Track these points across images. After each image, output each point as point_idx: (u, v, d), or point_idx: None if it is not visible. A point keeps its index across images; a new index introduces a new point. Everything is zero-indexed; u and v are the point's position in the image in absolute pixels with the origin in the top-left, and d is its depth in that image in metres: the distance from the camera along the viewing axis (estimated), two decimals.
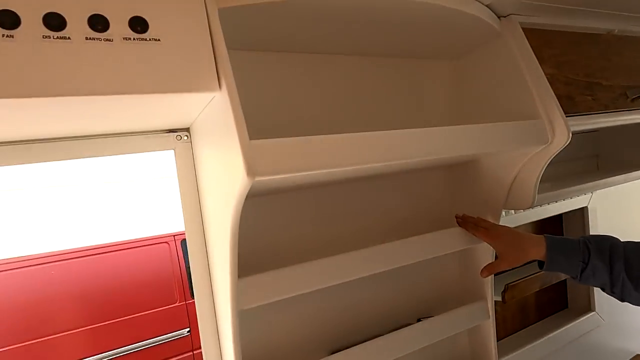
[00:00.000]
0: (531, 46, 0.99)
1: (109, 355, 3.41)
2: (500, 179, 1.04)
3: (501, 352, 1.43)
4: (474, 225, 1.02)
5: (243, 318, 0.79)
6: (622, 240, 0.93)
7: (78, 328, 3.34)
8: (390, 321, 1.10)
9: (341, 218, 1.03)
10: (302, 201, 0.97)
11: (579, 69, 1.07)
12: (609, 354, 1.77)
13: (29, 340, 3.12)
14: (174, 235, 3.88)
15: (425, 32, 0.94)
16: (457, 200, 1.16)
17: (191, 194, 0.86)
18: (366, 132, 0.70)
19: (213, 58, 0.63)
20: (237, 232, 0.68)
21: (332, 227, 1.01)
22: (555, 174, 1.48)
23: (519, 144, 0.91)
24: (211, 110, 0.70)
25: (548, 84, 0.95)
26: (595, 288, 1.67)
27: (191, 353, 3.80)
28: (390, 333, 1.01)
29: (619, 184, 1.38)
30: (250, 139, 0.60)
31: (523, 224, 1.48)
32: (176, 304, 3.81)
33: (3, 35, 0.50)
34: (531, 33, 1.03)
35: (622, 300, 0.94)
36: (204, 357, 0.85)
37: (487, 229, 1.00)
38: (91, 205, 4.31)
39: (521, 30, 1.00)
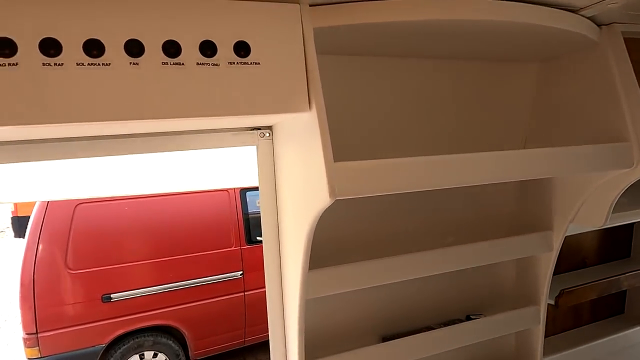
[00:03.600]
0: (632, 59, 0.93)
1: (171, 288, 3.78)
2: (573, 195, 1.02)
3: (548, 350, 1.46)
4: None
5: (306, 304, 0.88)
6: None
7: (145, 260, 3.71)
8: (440, 315, 1.16)
9: (411, 217, 1.07)
10: (371, 200, 1.01)
11: None
12: None
13: (103, 266, 3.53)
14: (234, 188, 4.09)
15: (515, 42, 0.91)
16: (524, 209, 1.15)
17: (269, 187, 0.92)
18: (442, 156, 0.72)
19: (306, 80, 0.66)
20: (312, 236, 0.75)
21: (401, 225, 1.06)
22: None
23: (600, 168, 0.88)
24: (299, 120, 0.74)
25: None
26: None
27: (242, 294, 4.12)
28: (441, 328, 1.07)
29: None
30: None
31: (591, 230, 1.44)
32: (232, 248, 4.10)
33: (130, 63, 0.57)
34: (634, 44, 0.95)
35: None
36: (270, 336, 0.96)
37: None
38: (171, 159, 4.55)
39: (622, 41, 0.93)
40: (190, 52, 0.60)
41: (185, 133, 0.85)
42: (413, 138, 1.02)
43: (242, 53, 0.62)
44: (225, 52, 0.61)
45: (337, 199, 0.64)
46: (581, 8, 0.82)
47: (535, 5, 0.77)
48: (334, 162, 0.64)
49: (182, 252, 3.87)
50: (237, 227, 4.14)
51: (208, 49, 0.60)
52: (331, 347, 1.00)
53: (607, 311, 1.73)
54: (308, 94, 0.67)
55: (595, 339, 1.51)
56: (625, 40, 0.94)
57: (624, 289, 1.51)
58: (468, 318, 1.15)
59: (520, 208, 1.16)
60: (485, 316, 1.13)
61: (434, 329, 1.07)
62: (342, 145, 0.86)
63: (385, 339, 1.07)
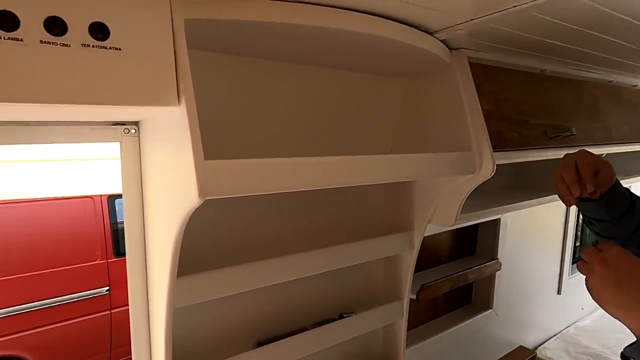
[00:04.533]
0: (475, 81, 1.08)
1: (18, 311, 3.24)
2: (429, 197, 1.14)
3: (411, 340, 1.60)
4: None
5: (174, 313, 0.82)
6: None
7: None
8: (315, 315, 1.19)
9: (287, 220, 1.08)
10: (244, 202, 1.00)
11: (512, 106, 1.18)
12: (500, 345, 2.03)
13: None
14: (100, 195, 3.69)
15: (383, 56, 0.99)
16: (391, 211, 1.25)
17: (134, 187, 0.85)
18: (313, 158, 0.74)
19: (174, 72, 0.63)
20: (181, 239, 0.70)
21: (275, 227, 1.05)
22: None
23: (450, 173, 1.00)
24: (167, 115, 0.70)
25: (483, 119, 1.05)
26: (495, 288, 1.90)
27: (109, 312, 3.72)
28: (314, 328, 1.10)
29: (532, 206, 1.56)
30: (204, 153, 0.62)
31: (444, 231, 1.63)
32: (97, 262, 3.68)
33: None
34: (477, 67, 1.11)
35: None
36: (132, 348, 0.87)
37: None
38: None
39: (468, 64, 1.07)
40: (32, 27, 0.51)
41: (43, 124, 0.73)
42: (288, 142, 1.03)
43: (100, 36, 0.56)
44: (78, 32, 0.54)
45: (207, 198, 0.61)
46: (435, 31, 0.92)
47: (396, 23, 0.85)
48: (205, 160, 0.61)
49: (35, 268, 3.35)
50: (104, 237, 3.74)
51: (55, 26, 0.53)
52: (203, 358, 0.95)
53: (458, 302, 1.97)
54: (177, 88, 0.63)
55: (448, 328, 1.71)
56: (471, 64, 1.10)
57: (471, 281, 1.74)
58: (341, 317, 1.20)
59: (388, 211, 1.25)
60: (356, 314, 1.19)
61: (308, 330, 1.10)
62: (214, 145, 0.83)
63: (260, 344, 1.05)
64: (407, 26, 0.87)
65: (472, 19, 0.84)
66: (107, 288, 3.68)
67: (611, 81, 1.64)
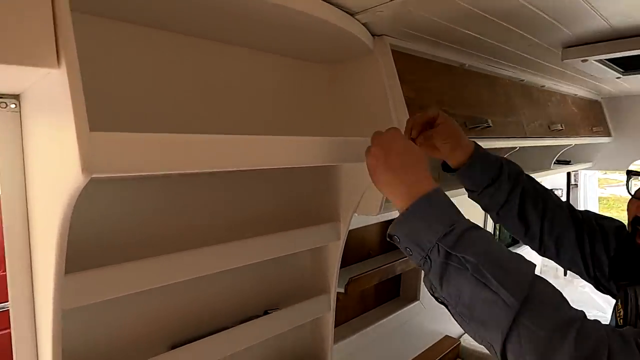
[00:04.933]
0: (398, 69, 1.08)
1: None
2: (356, 186, 1.12)
3: (340, 335, 1.58)
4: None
5: (66, 316, 0.71)
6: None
7: None
8: (238, 314, 1.12)
9: (199, 208, 1.00)
10: (152, 187, 0.90)
11: (433, 96, 1.21)
12: (427, 335, 2.09)
13: None
14: None
15: (305, 37, 0.95)
16: (319, 200, 1.21)
17: (15, 171, 0.73)
18: (222, 136, 0.68)
19: (52, 27, 0.53)
20: (67, 228, 0.61)
21: (189, 217, 0.97)
22: None
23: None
24: (48, 83, 0.60)
25: (405, 106, 1.05)
26: (421, 279, 1.94)
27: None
28: (236, 326, 1.03)
29: (454, 197, 1.60)
30: (91, 127, 0.53)
31: (372, 223, 1.64)
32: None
33: None
34: (400, 56, 1.12)
35: (499, 221, 1.05)
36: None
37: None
38: None
39: (390, 51, 1.07)
40: None
41: None
42: (203, 123, 0.96)
43: None
44: None
45: (93, 176, 0.53)
46: (356, 12, 0.90)
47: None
48: (90, 131, 0.53)
49: None
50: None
51: None
52: None
53: (388, 296, 2.00)
54: (57, 48, 0.54)
55: (376, 321, 1.71)
56: (394, 52, 1.10)
57: (398, 273, 1.76)
58: (266, 313, 1.14)
59: (315, 200, 1.22)
60: (281, 309, 1.14)
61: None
62: (109, 121, 0.74)
63: (175, 347, 0.96)
64: (326, 3, 0.84)
65: (391, 0, 0.83)
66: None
67: (522, 80, 1.75)
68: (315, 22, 0.84)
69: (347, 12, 0.90)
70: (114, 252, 0.80)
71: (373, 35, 1.06)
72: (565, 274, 3.38)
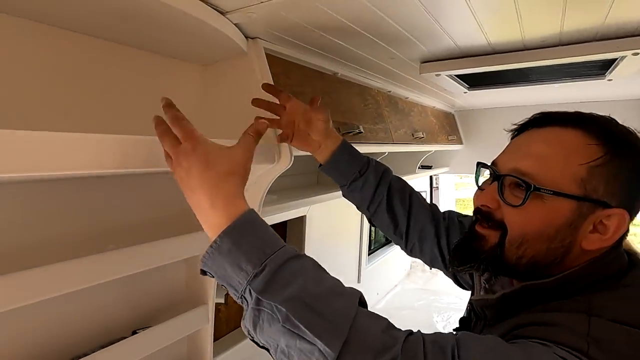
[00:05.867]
0: (272, 72, 1.08)
1: None
2: None
3: (221, 348, 1.51)
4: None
5: None
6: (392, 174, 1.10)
7: None
8: (103, 336, 0.99)
9: (52, 219, 0.86)
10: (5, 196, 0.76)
11: (308, 100, 1.24)
12: None
13: None
14: None
15: (172, 32, 0.89)
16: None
17: None
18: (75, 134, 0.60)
19: None
20: None
21: (49, 230, 0.83)
22: (282, 185, 1.66)
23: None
24: None
25: None
26: None
27: None
28: (96, 352, 0.91)
29: (333, 199, 1.67)
30: None
31: None
32: None
33: None
34: (275, 60, 1.12)
35: (371, 221, 1.09)
36: None
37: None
38: None
39: (264, 54, 1.07)
40: None
41: None
42: (58, 119, 0.84)
43: None
44: None
45: None
46: (227, 11, 0.88)
47: None
48: None
49: None
50: None
51: None
52: None
53: None
54: None
55: None
56: (268, 56, 1.10)
57: None
58: (134, 333, 1.03)
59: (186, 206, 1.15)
60: (152, 327, 1.04)
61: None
62: None
63: None
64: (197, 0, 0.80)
65: (262, 2, 0.83)
66: None
67: (389, 91, 1.91)
68: (183, 18, 0.79)
69: (218, 11, 0.87)
70: None
71: (247, 37, 1.05)
72: (430, 268, 3.76)
